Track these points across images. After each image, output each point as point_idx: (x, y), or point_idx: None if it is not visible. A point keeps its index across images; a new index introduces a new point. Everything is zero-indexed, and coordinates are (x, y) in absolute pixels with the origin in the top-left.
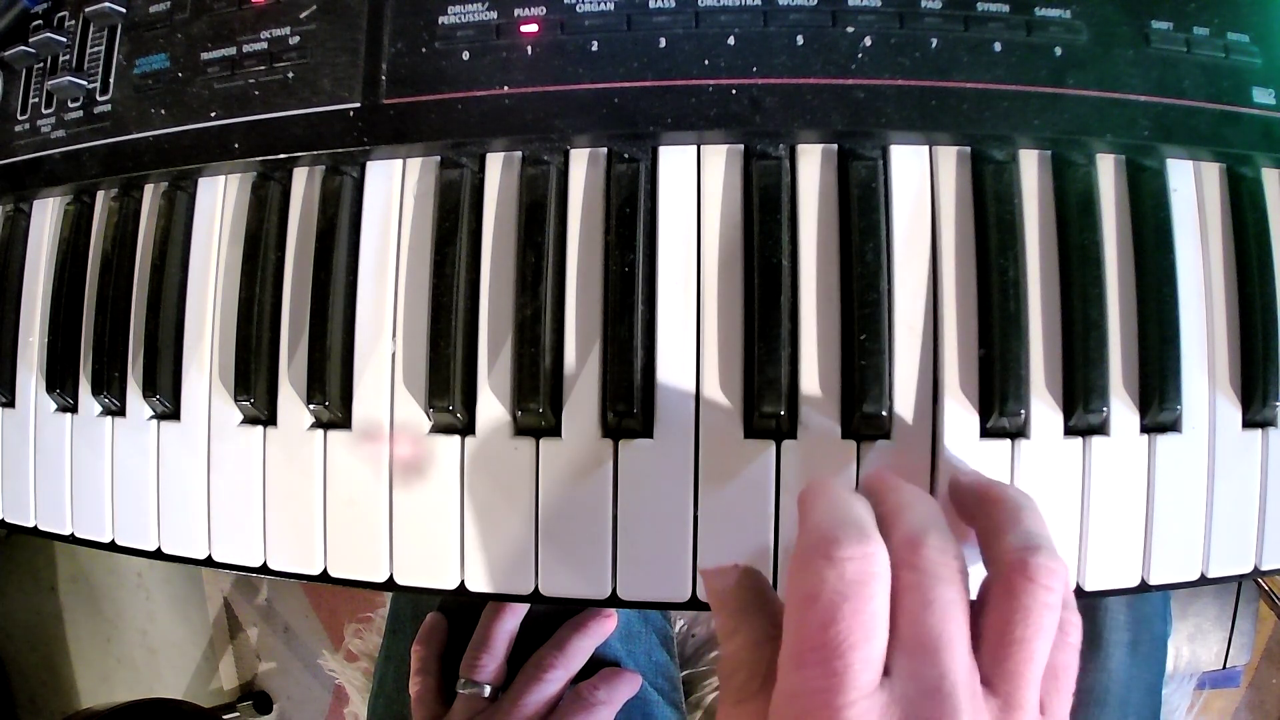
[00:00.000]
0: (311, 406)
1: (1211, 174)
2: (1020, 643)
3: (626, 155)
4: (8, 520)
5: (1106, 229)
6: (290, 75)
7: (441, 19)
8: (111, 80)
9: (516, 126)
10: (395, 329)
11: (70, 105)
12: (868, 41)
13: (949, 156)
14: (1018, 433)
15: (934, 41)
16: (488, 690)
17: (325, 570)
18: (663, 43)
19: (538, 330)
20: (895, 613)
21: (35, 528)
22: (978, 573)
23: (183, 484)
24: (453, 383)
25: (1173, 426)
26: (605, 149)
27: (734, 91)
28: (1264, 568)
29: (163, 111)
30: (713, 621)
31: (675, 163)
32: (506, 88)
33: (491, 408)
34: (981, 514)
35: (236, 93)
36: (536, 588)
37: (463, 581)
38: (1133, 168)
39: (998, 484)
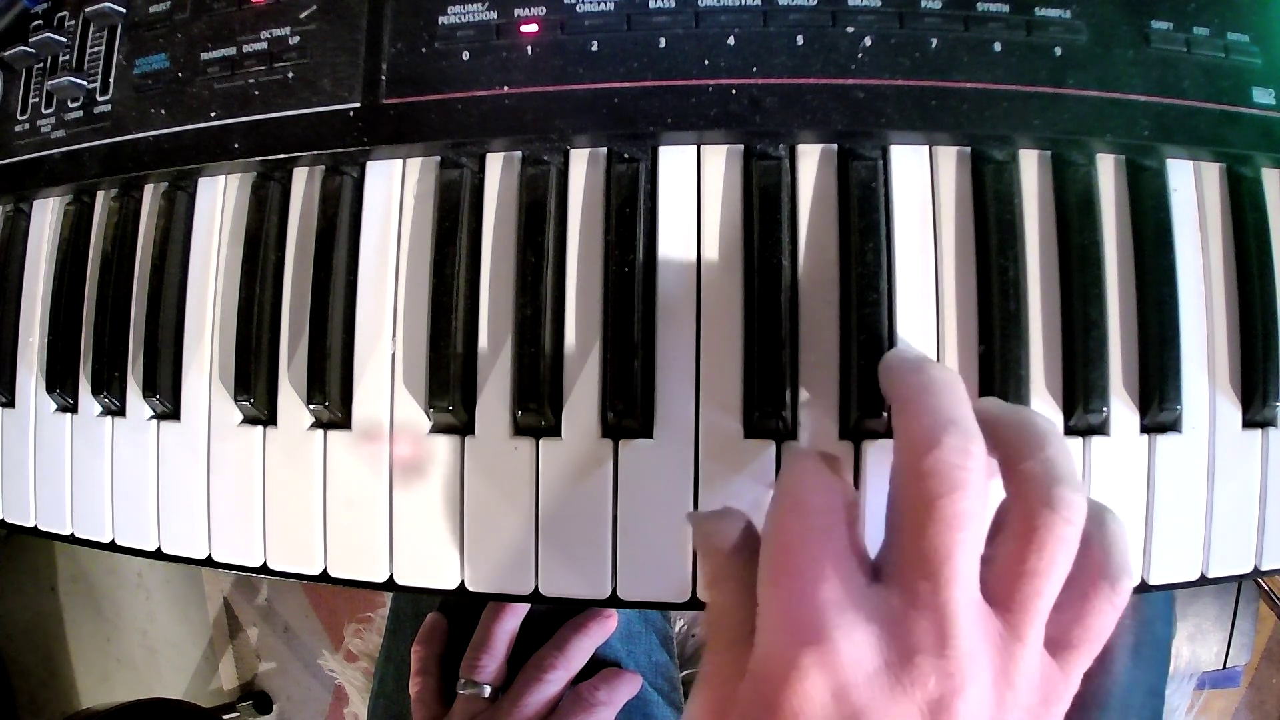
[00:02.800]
0: (311, 406)
1: (1211, 174)
2: (1032, 574)
3: (626, 155)
4: (8, 520)
5: (1106, 229)
6: (290, 75)
7: (441, 19)
8: (111, 80)
9: (516, 126)
10: (395, 329)
11: (70, 105)
12: (868, 41)
13: (949, 156)
14: None
15: (934, 41)
16: (488, 690)
17: (325, 570)
18: (663, 43)
19: (538, 330)
20: (898, 519)
21: (35, 528)
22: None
23: (183, 484)
24: (453, 383)
25: (1173, 426)
26: (605, 149)
27: (734, 91)
28: (1264, 568)
29: (163, 111)
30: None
31: (675, 163)
32: (506, 88)
33: (491, 408)
34: (1006, 436)
35: (236, 93)
36: (536, 588)
37: (463, 581)
38: (1133, 168)
39: (1025, 409)
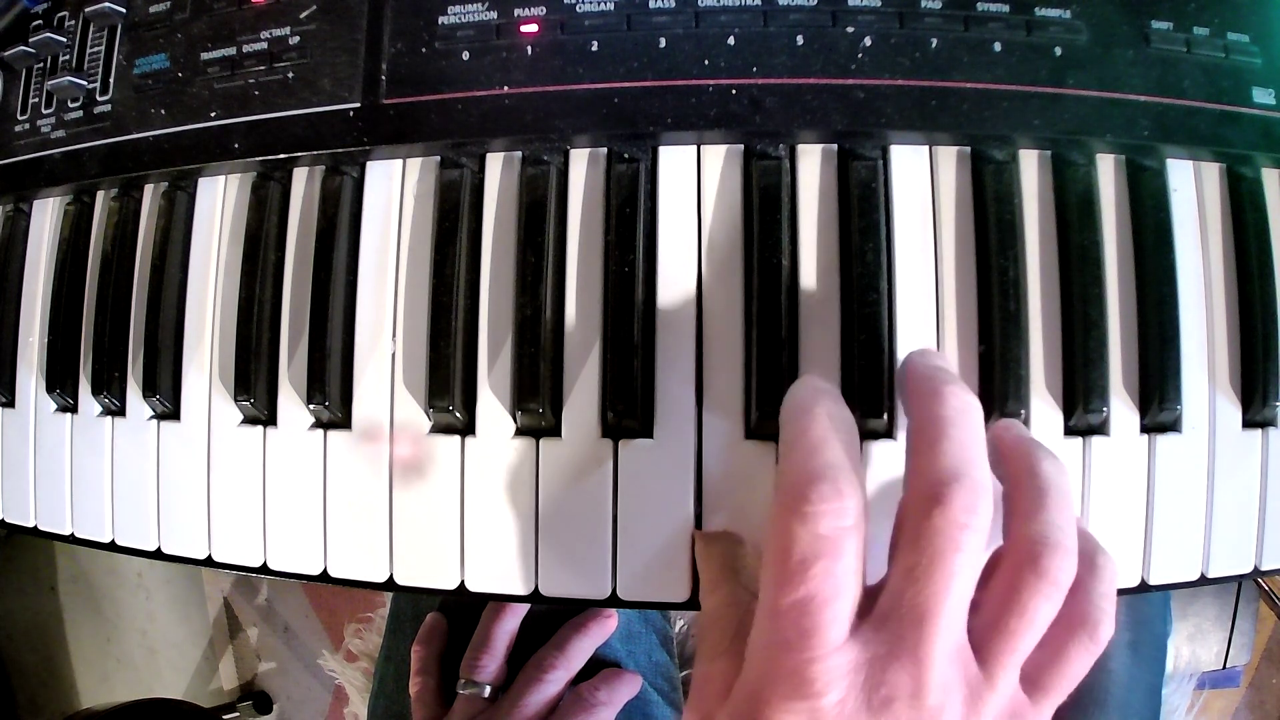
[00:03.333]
0: (311, 406)
1: (1211, 174)
2: (1011, 633)
3: (626, 155)
4: (8, 520)
5: (1106, 229)
6: (290, 75)
7: (441, 19)
8: (111, 80)
9: (516, 126)
10: (395, 329)
11: (70, 105)
12: (868, 41)
13: (949, 156)
14: None
15: (934, 41)
16: (488, 690)
17: (325, 570)
18: (663, 43)
19: (538, 330)
20: (897, 561)
21: (35, 528)
22: None
23: (183, 484)
24: (453, 383)
25: (1173, 426)
26: (605, 149)
27: (734, 91)
28: (1264, 568)
29: (163, 111)
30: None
31: (675, 163)
32: (506, 88)
33: (491, 408)
34: (1011, 482)
35: (236, 93)
36: (536, 588)
37: (463, 581)
38: (1133, 168)
39: (1034, 453)
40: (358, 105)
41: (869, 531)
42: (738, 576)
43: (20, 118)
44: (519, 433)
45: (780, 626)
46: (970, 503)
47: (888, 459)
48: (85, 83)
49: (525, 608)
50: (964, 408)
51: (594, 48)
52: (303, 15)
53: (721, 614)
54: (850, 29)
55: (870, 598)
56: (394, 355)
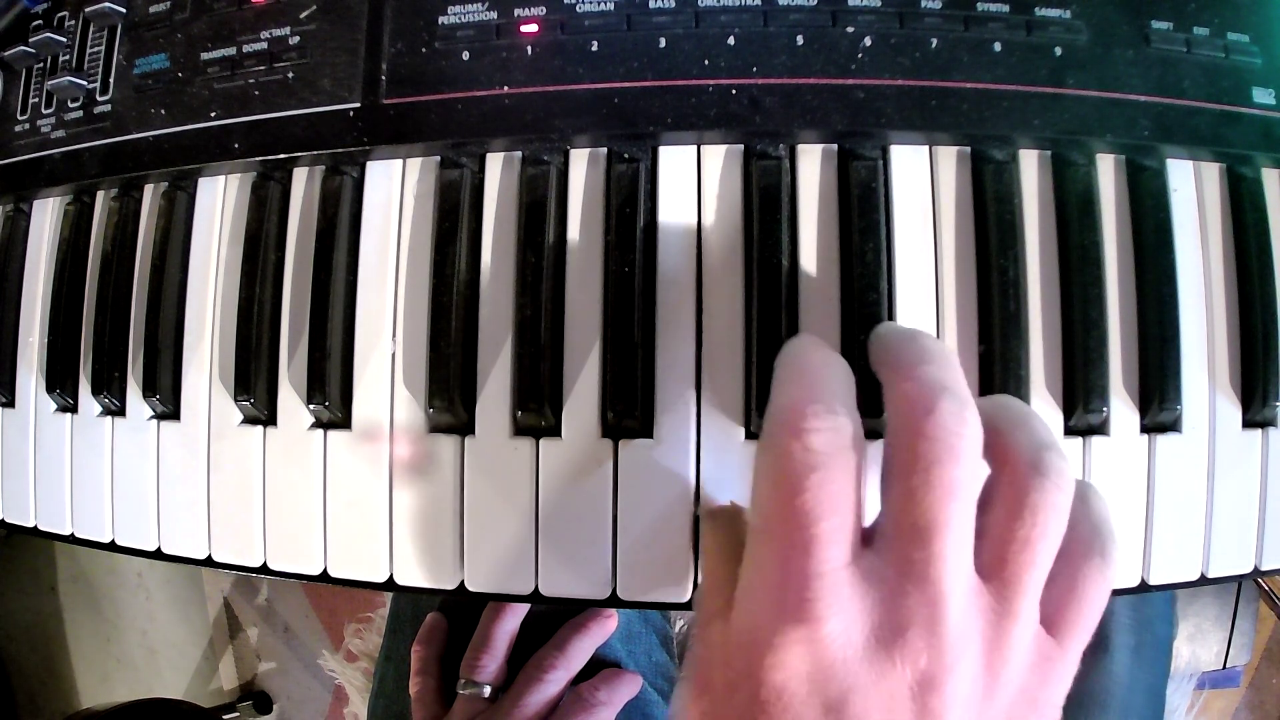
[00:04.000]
0: (311, 406)
1: (1211, 174)
2: (1025, 542)
3: (626, 155)
4: (8, 520)
5: (1106, 229)
6: (290, 75)
7: (441, 19)
8: (111, 80)
9: (516, 126)
10: (395, 329)
11: (70, 105)
12: (868, 41)
13: (949, 156)
14: None
15: (934, 41)
16: (488, 690)
17: (325, 570)
18: (663, 43)
19: (538, 330)
20: (891, 482)
21: (35, 528)
22: None
23: (183, 484)
24: (453, 383)
25: (1173, 426)
26: (605, 149)
27: (734, 91)
28: (1264, 568)
29: (163, 111)
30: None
31: (675, 163)
32: (506, 88)
33: (491, 408)
34: (989, 414)
35: (236, 93)
36: (536, 588)
37: (463, 581)
38: (1133, 168)
39: (1003, 396)
40: (358, 105)
41: (865, 459)
42: (740, 549)
43: (20, 118)
44: (519, 433)
45: (775, 542)
46: (958, 409)
47: None
48: (85, 83)
49: (525, 608)
50: (940, 345)
51: (594, 48)
52: (303, 15)
53: (722, 582)
54: (850, 29)
55: (868, 536)
56: (394, 355)
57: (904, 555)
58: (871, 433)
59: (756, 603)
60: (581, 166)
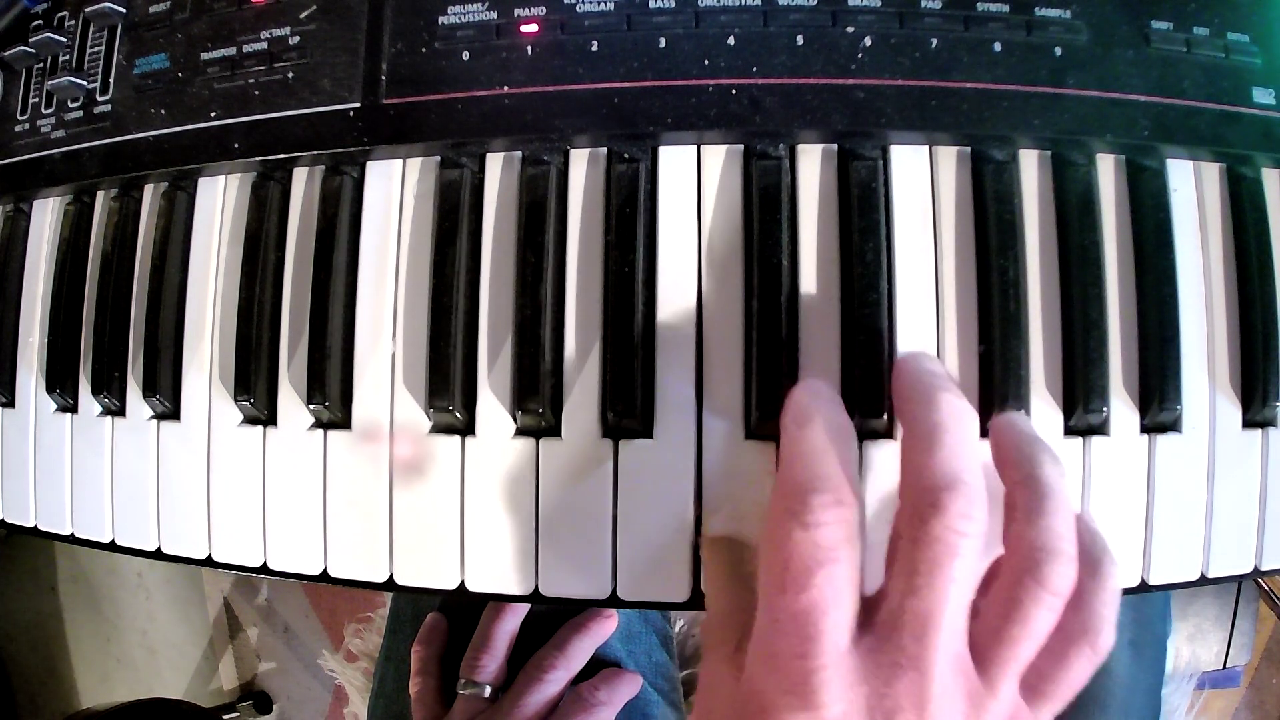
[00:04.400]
0: (311, 406)
1: (1211, 174)
2: (1011, 641)
3: (626, 155)
4: (8, 520)
5: (1106, 229)
6: (290, 75)
7: (441, 19)
8: (111, 80)
9: (516, 126)
10: (395, 329)
11: (70, 105)
12: (868, 41)
13: (949, 156)
14: None
15: (934, 41)
16: (488, 690)
17: (325, 570)
18: (663, 43)
19: (538, 330)
20: (895, 570)
21: (35, 528)
22: None
23: (183, 484)
24: (453, 383)
25: (1173, 426)
26: (605, 149)
27: (734, 91)
28: (1264, 568)
29: (163, 111)
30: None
31: (675, 163)
32: (506, 88)
33: (491, 408)
34: (1011, 485)
35: (236, 93)
36: (536, 588)
37: (463, 581)
38: (1133, 168)
39: (1038, 456)
40: (358, 105)
41: (866, 540)
42: (744, 580)
43: (20, 118)
44: (519, 433)
45: (781, 635)
46: (966, 509)
47: (888, 459)
48: (85, 83)
49: (525, 608)
50: (956, 413)
51: (594, 48)
52: (303, 15)
53: (728, 616)
54: (850, 29)
55: (868, 608)
56: (394, 355)
57: (899, 643)
58: (871, 433)
59: (765, 677)
60: (581, 166)
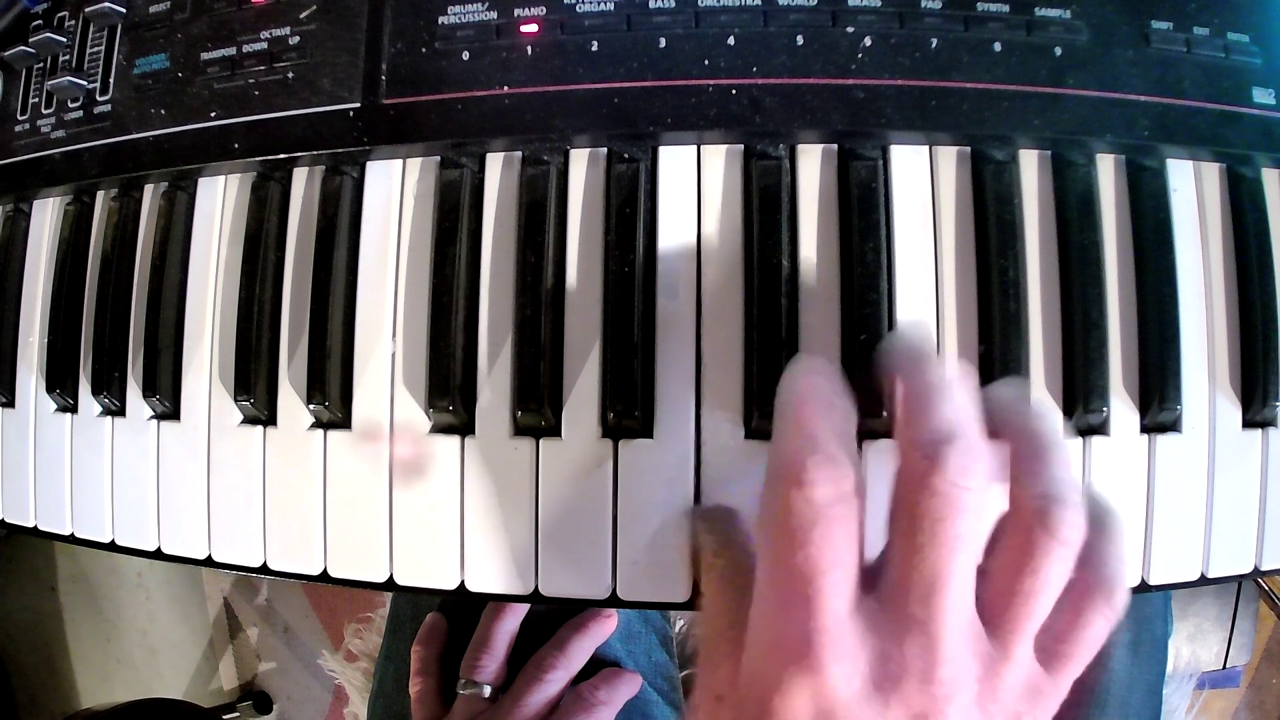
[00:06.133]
0: (311, 406)
1: (1211, 174)
2: (1025, 595)
3: (626, 155)
4: (8, 520)
5: (1106, 229)
6: (290, 75)
7: (441, 19)
8: (111, 80)
9: (516, 126)
10: (395, 329)
11: (70, 105)
12: (868, 41)
13: (949, 156)
14: None
15: (934, 41)
16: (488, 690)
17: (325, 570)
18: (663, 43)
19: (538, 330)
20: (896, 532)
21: (35, 528)
22: None
23: (183, 484)
24: (453, 383)
25: (1173, 426)
26: (605, 149)
27: (734, 91)
28: (1264, 568)
29: (163, 111)
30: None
31: (675, 163)
32: (506, 88)
33: (491, 408)
34: (1011, 435)
35: (236, 93)
36: (536, 588)
37: (463, 581)
38: (1133, 168)
39: (1028, 414)
40: (358, 105)
41: (866, 510)
42: (739, 569)
43: (20, 118)
44: (519, 433)
45: (781, 594)
46: (967, 462)
47: (888, 459)
48: (85, 83)
49: (525, 608)
50: (953, 374)
51: (594, 48)
52: (303, 15)
53: (724, 610)
54: (850, 29)
55: (872, 574)
56: (394, 355)
57: (905, 606)
58: (871, 433)
59: (765, 649)
60: (581, 166)
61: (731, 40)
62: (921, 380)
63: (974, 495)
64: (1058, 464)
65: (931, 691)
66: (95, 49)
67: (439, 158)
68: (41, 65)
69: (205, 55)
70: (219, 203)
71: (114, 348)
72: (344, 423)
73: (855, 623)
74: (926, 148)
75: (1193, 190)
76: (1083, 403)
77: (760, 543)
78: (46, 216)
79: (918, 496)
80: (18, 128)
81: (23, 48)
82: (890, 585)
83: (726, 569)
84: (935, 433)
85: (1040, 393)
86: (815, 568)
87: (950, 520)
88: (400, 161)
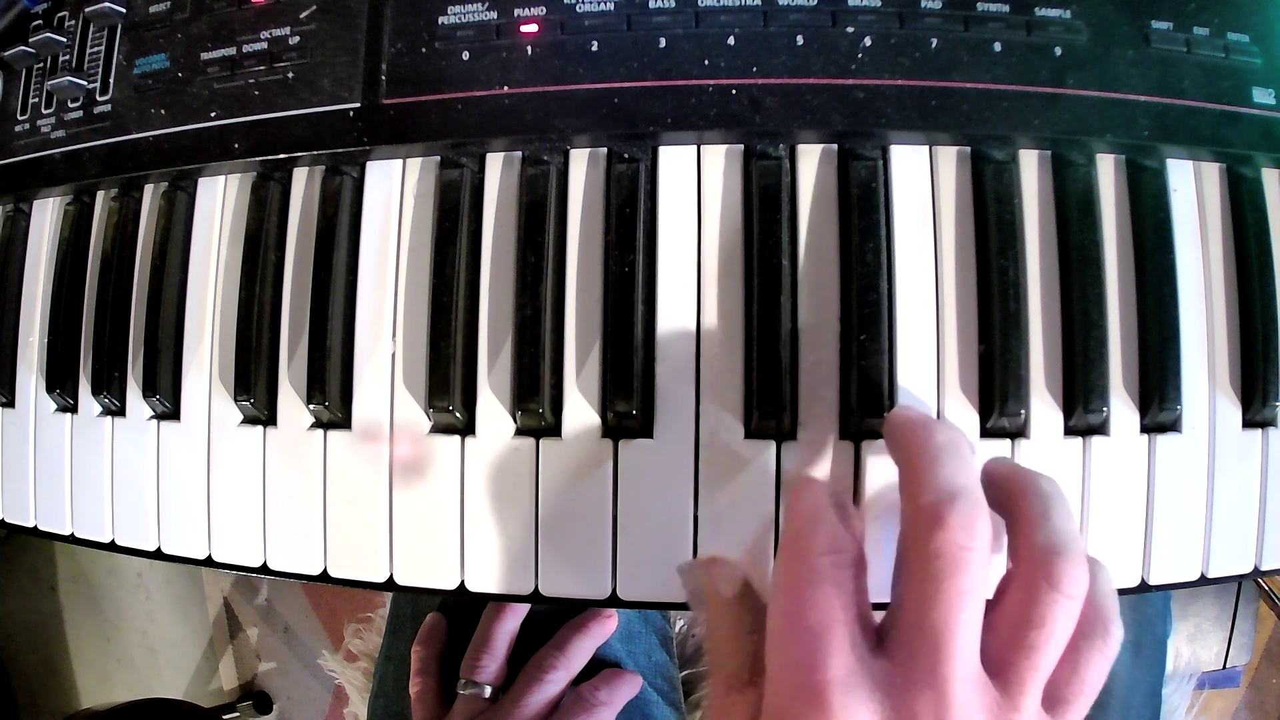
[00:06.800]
0: (311, 406)
1: (1211, 174)
2: (1031, 649)
3: (626, 155)
4: (8, 520)
5: (1106, 229)
6: (290, 75)
7: (441, 19)
8: (111, 80)
9: (516, 126)
10: (395, 329)
11: (70, 105)
12: (868, 41)
13: (949, 156)
14: (1018, 433)
15: (934, 41)
16: (488, 691)
17: (325, 570)
18: (663, 43)
19: (538, 330)
20: (903, 589)
21: (35, 528)
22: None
23: (183, 484)
24: (453, 383)
25: (1173, 426)
26: (605, 149)
27: (734, 91)
28: (1264, 568)
29: (163, 111)
30: (696, 617)
31: (675, 163)
32: (506, 88)
33: (491, 408)
34: (1011, 497)
35: (236, 93)
36: (536, 588)
37: (463, 581)
38: (1133, 168)
39: (1029, 473)
40: (358, 105)
41: (868, 573)
42: (746, 608)
43: (20, 118)
44: (519, 433)
45: (793, 649)
46: (969, 520)
47: (888, 460)
48: (85, 83)
49: (525, 608)
50: (954, 438)
51: (594, 48)
52: (303, 15)
53: (735, 648)
54: (850, 29)
55: (881, 631)
56: (394, 355)
57: (913, 661)
58: (870, 432)
59: (784, 699)
60: (581, 166)
61: (731, 40)
62: (922, 443)
63: (977, 553)
64: (1061, 517)
65: None
66: (95, 49)
67: (439, 158)
68: (41, 65)
69: (205, 55)
70: (219, 203)
71: (114, 348)
72: (344, 423)
73: (867, 678)
74: (926, 148)
75: (1193, 190)
76: (1083, 403)
77: (774, 602)
78: (46, 216)
79: (923, 556)
80: (18, 128)
81: (23, 48)
82: (898, 639)
83: (741, 614)
84: (937, 493)
85: (1040, 393)
86: (825, 622)
87: (955, 577)
88: (400, 161)
